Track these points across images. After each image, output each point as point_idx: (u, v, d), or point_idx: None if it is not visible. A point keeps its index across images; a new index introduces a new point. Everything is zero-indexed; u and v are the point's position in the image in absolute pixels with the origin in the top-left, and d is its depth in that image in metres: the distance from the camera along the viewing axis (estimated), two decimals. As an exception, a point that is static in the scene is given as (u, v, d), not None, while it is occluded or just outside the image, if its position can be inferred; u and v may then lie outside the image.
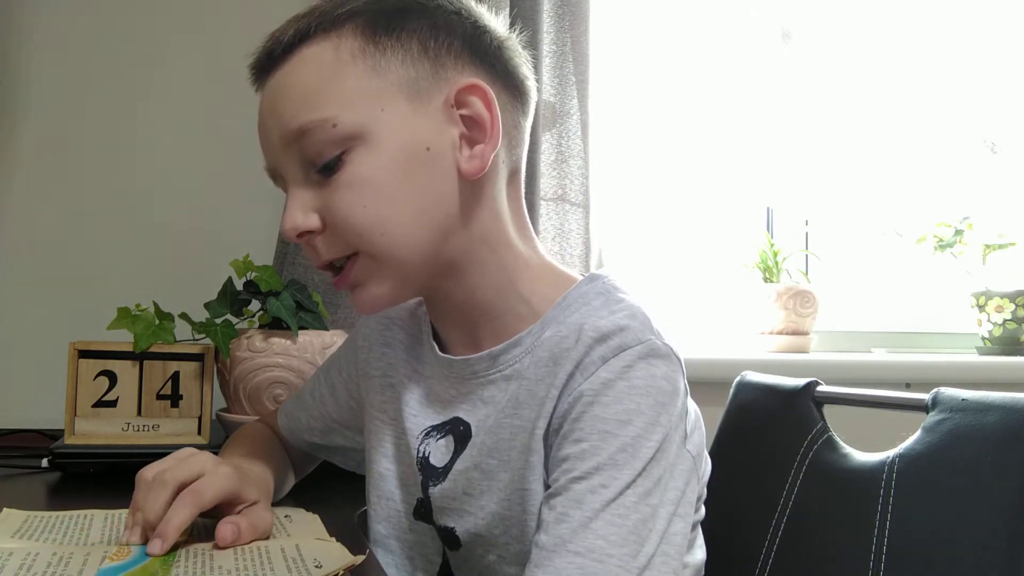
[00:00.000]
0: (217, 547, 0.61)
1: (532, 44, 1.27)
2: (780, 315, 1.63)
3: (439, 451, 0.70)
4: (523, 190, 0.73)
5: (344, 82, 0.63)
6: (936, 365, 1.64)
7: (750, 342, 1.68)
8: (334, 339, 1.04)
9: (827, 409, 0.80)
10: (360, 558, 0.60)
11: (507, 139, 0.67)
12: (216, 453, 0.73)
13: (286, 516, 0.74)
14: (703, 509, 0.71)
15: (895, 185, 1.82)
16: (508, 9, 1.27)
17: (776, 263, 1.66)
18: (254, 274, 1.05)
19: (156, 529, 0.60)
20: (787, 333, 1.62)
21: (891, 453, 0.69)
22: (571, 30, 1.36)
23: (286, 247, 1.25)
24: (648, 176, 1.67)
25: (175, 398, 0.96)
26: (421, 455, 0.71)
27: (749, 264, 1.68)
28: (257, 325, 1.05)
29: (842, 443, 0.76)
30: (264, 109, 0.67)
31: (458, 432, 0.69)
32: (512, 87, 0.69)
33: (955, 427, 0.65)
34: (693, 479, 0.63)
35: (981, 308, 1.77)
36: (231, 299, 1.04)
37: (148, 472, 0.64)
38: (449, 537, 0.70)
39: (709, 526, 0.73)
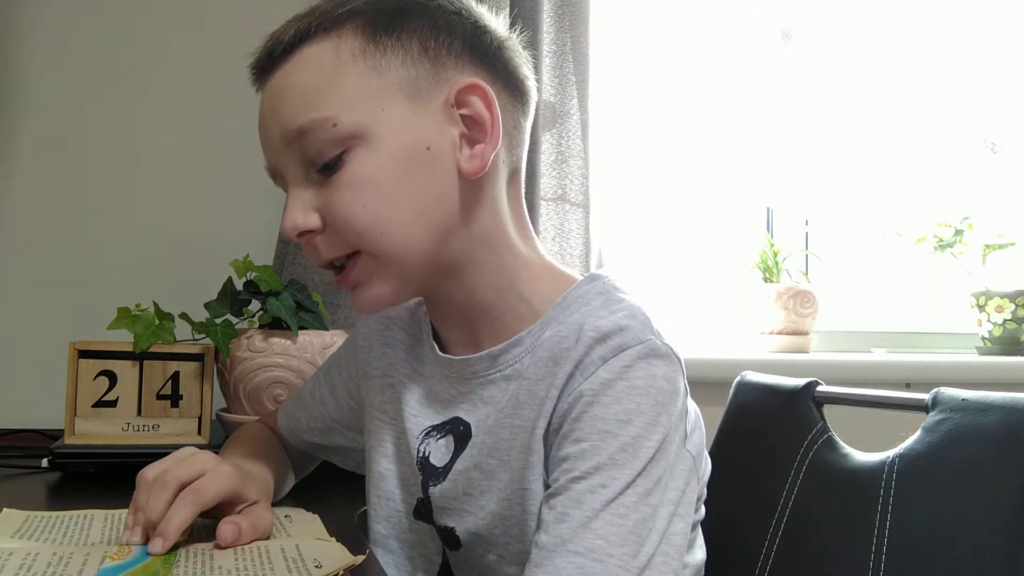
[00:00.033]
0: (218, 547, 0.61)
1: (532, 44, 1.27)
2: (780, 315, 1.63)
3: (439, 451, 0.70)
4: (523, 190, 0.73)
5: (344, 82, 0.63)
6: (936, 365, 1.64)
7: (750, 342, 1.68)
8: (334, 339, 1.04)
9: (827, 409, 0.80)
10: (360, 558, 0.60)
11: (507, 139, 0.67)
12: (216, 453, 0.73)
13: (286, 516, 0.74)
14: (703, 509, 0.71)
15: (895, 185, 1.82)
16: (508, 9, 1.27)
17: (776, 263, 1.66)
18: (254, 274, 1.05)
19: (157, 528, 0.60)
20: (787, 333, 1.62)
21: (891, 453, 0.69)
22: (571, 30, 1.37)
23: (286, 247, 1.25)
24: (648, 176, 1.67)
25: (175, 398, 0.96)
26: (421, 455, 0.71)
27: (749, 264, 1.68)
28: (257, 325, 1.05)
29: (842, 443, 0.76)
30: (264, 109, 0.67)
31: (458, 432, 0.69)
32: (512, 87, 0.69)
33: (955, 427, 0.66)
34: (693, 479, 0.63)
35: (981, 308, 1.77)
36: (231, 299, 1.04)
37: (149, 472, 0.64)
38: (449, 537, 0.70)
39: (709, 526, 0.73)
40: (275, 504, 0.75)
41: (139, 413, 0.95)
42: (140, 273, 1.31)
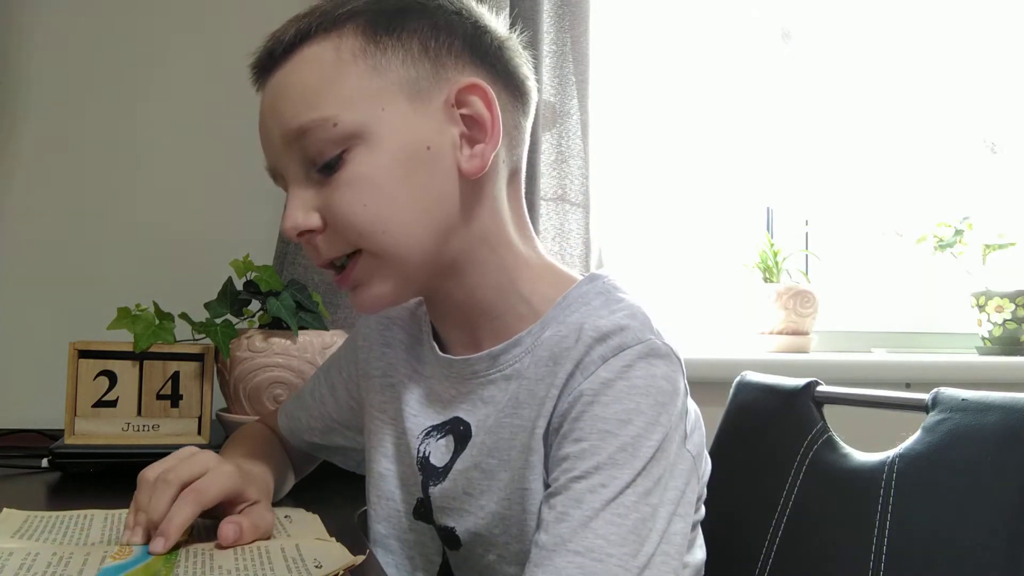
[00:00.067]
0: (219, 547, 0.61)
1: (532, 44, 1.27)
2: (780, 315, 1.63)
3: (439, 451, 0.70)
4: (523, 190, 0.73)
5: (345, 81, 0.63)
6: (936, 365, 1.64)
7: (750, 342, 1.68)
8: (334, 339, 1.04)
9: (827, 409, 0.80)
10: (360, 558, 0.60)
11: (507, 139, 0.68)
12: (216, 453, 0.73)
13: (286, 516, 0.74)
14: (703, 509, 0.71)
15: (895, 185, 1.82)
16: (508, 9, 1.27)
17: (776, 263, 1.66)
18: (254, 274, 1.05)
19: (158, 528, 0.60)
20: (787, 333, 1.62)
21: (891, 453, 0.69)
22: (571, 30, 1.37)
23: (286, 247, 1.25)
24: (648, 176, 1.67)
25: (175, 398, 0.96)
26: (421, 455, 0.71)
27: (749, 264, 1.68)
28: (257, 325, 1.05)
29: (842, 443, 0.76)
30: (265, 108, 0.67)
31: (458, 432, 0.69)
32: (512, 87, 0.69)
33: (955, 427, 0.66)
34: (693, 479, 0.63)
35: (981, 308, 1.77)
36: (231, 299, 1.04)
37: (150, 472, 0.64)
38: (449, 537, 0.70)
39: (709, 526, 0.73)
40: (275, 504, 0.75)
41: (139, 413, 0.95)
42: (140, 273, 1.31)
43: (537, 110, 0.77)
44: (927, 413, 0.69)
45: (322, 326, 1.05)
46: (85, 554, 0.58)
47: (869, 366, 1.61)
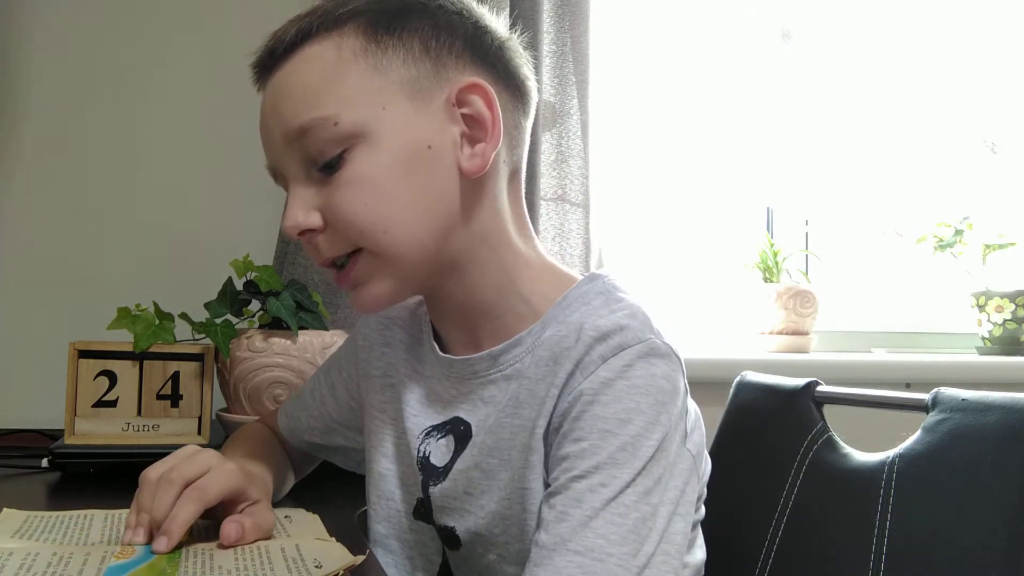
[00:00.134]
0: (220, 546, 0.61)
1: (532, 45, 1.27)
2: (780, 315, 1.63)
3: (439, 451, 0.70)
4: (523, 190, 0.73)
5: (346, 81, 0.63)
6: (936, 365, 1.64)
7: (750, 342, 1.68)
8: (334, 339, 1.04)
9: (827, 409, 0.80)
10: (360, 558, 0.60)
11: (508, 139, 0.68)
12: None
13: (286, 516, 0.74)
14: (703, 509, 0.71)
15: (895, 185, 1.82)
16: (508, 10, 1.27)
17: (776, 263, 1.66)
18: (254, 274, 1.05)
19: (161, 526, 0.60)
20: (787, 333, 1.62)
21: (891, 453, 0.69)
22: (571, 30, 1.37)
23: (286, 247, 1.25)
24: (648, 176, 1.67)
25: (175, 398, 0.96)
26: (421, 455, 0.71)
27: (749, 264, 1.68)
28: (257, 325, 1.05)
29: (842, 443, 0.76)
30: (266, 108, 0.67)
31: (458, 432, 0.70)
32: (513, 87, 0.69)
33: (955, 427, 0.66)
34: (693, 478, 0.63)
35: (981, 308, 1.77)
36: (231, 299, 1.04)
37: (152, 472, 0.64)
38: (449, 537, 0.70)
39: (709, 526, 0.73)
40: (275, 504, 0.75)
41: (139, 413, 0.95)
42: (140, 273, 1.31)
43: (537, 110, 0.77)
44: (927, 413, 0.69)
45: (322, 326, 1.05)
46: (85, 554, 0.58)
47: (869, 366, 1.61)
